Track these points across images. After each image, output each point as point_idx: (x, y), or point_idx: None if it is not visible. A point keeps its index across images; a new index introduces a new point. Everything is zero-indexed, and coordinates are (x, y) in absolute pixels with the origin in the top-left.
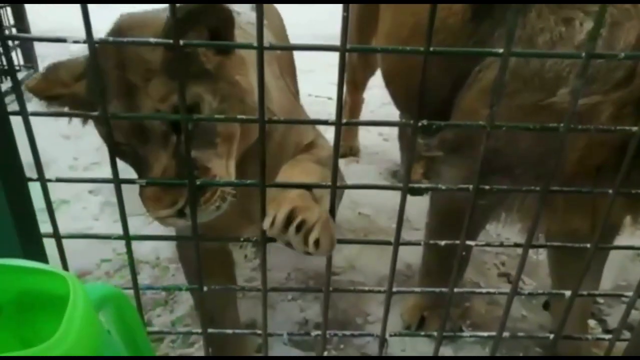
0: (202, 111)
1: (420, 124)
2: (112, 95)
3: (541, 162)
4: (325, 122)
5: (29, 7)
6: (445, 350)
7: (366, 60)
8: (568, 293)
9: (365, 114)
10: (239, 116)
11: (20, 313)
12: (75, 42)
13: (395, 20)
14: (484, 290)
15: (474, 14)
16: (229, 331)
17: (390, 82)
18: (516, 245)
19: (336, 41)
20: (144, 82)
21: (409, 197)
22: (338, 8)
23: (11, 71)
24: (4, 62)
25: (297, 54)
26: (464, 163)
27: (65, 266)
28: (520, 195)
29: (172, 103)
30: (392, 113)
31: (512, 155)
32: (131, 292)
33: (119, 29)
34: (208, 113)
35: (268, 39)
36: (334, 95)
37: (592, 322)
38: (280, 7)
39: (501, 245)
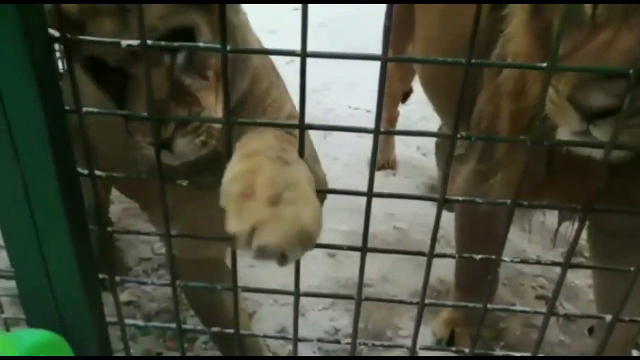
0: (196, 40)
1: (459, 135)
2: (105, 14)
3: None
4: (364, 130)
5: None
6: None
7: (403, 71)
8: (609, 317)
9: (403, 128)
10: (278, 121)
11: None
12: (129, 45)
13: (439, 25)
14: (517, 309)
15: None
16: (260, 334)
17: (428, 86)
18: (554, 263)
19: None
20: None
21: (446, 214)
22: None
23: (70, 71)
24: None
25: (339, 69)
26: (473, 158)
27: (107, 260)
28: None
29: (170, 25)
30: (431, 127)
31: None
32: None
33: None
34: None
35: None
36: (373, 107)
37: (635, 353)
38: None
39: (538, 262)
